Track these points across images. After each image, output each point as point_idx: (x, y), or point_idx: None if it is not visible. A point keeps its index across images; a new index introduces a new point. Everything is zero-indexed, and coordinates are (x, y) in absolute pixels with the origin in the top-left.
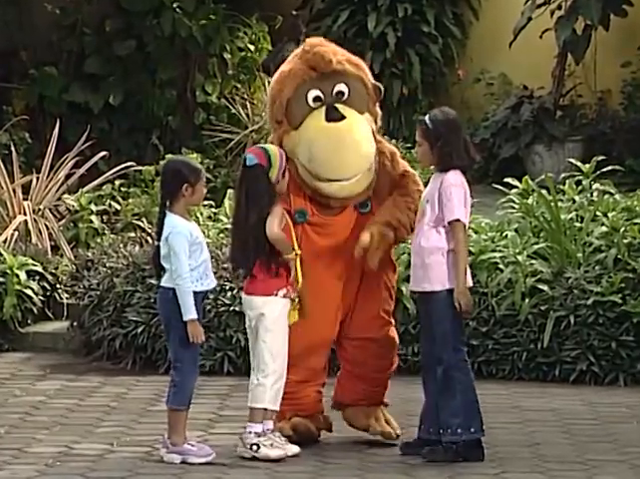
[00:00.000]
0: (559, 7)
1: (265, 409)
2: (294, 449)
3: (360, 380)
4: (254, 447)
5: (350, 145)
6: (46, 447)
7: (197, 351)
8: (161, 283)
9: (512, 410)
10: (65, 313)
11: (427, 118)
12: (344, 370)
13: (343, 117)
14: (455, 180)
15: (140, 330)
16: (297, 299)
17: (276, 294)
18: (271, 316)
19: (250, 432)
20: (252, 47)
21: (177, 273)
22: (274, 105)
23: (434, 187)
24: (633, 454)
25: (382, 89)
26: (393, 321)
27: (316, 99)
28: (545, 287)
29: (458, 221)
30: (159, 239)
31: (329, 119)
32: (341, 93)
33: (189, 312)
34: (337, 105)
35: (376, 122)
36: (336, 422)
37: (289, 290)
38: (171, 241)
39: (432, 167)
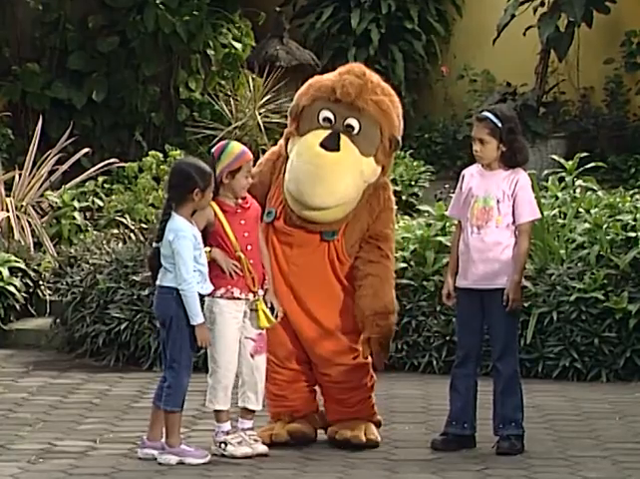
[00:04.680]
0: (542, 4)
1: (220, 410)
2: (263, 448)
3: (335, 403)
4: (222, 445)
5: (325, 179)
6: (29, 444)
7: (193, 353)
8: (164, 283)
9: None
10: (48, 310)
11: (491, 115)
12: (322, 391)
13: (337, 149)
14: (528, 180)
15: (123, 327)
16: (263, 302)
17: (213, 295)
18: (209, 316)
19: (219, 431)
20: (236, 43)
21: (183, 278)
22: (294, 103)
23: (500, 185)
24: (615, 450)
25: (399, 143)
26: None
27: (326, 120)
28: (528, 284)
29: (533, 221)
30: (157, 242)
31: (323, 144)
32: (351, 127)
33: (198, 316)
34: (343, 136)
35: (383, 170)
36: None
37: (229, 290)
38: (178, 246)
39: (483, 164)
